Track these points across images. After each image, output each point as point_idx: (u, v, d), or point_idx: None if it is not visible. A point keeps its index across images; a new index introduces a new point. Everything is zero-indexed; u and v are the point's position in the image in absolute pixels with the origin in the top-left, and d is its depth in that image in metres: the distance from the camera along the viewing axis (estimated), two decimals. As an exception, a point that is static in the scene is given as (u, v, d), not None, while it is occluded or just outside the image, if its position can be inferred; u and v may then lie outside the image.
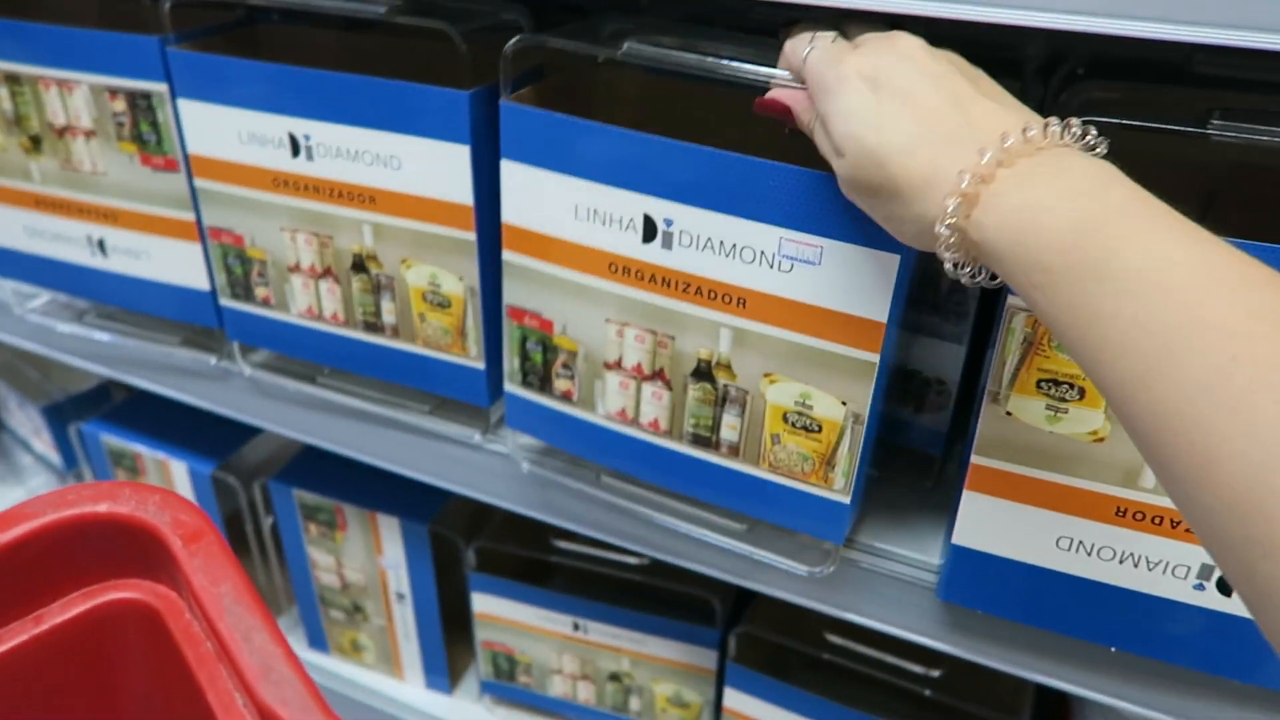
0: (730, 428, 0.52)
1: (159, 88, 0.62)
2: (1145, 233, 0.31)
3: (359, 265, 0.61)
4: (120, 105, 0.63)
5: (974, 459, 0.48)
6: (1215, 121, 0.39)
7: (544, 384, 0.57)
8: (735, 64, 0.45)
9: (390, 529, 0.83)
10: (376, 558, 0.86)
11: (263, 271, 0.65)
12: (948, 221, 0.35)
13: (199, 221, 0.66)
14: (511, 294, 0.56)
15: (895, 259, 0.44)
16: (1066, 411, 0.45)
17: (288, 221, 0.62)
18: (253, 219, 0.63)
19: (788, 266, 0.46)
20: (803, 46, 0.41)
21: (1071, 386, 0.44)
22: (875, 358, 0.46)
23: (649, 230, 0.49)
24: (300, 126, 0.58)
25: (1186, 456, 0.28)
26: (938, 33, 0.55)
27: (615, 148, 0.48)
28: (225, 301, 0.68)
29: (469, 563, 0.81)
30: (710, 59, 0.46)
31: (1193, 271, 0.29)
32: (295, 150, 0.59)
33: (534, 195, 0.52)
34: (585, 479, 0.61)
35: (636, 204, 0.49)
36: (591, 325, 0.53)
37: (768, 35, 0.48)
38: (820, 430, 0.50)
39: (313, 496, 0.84)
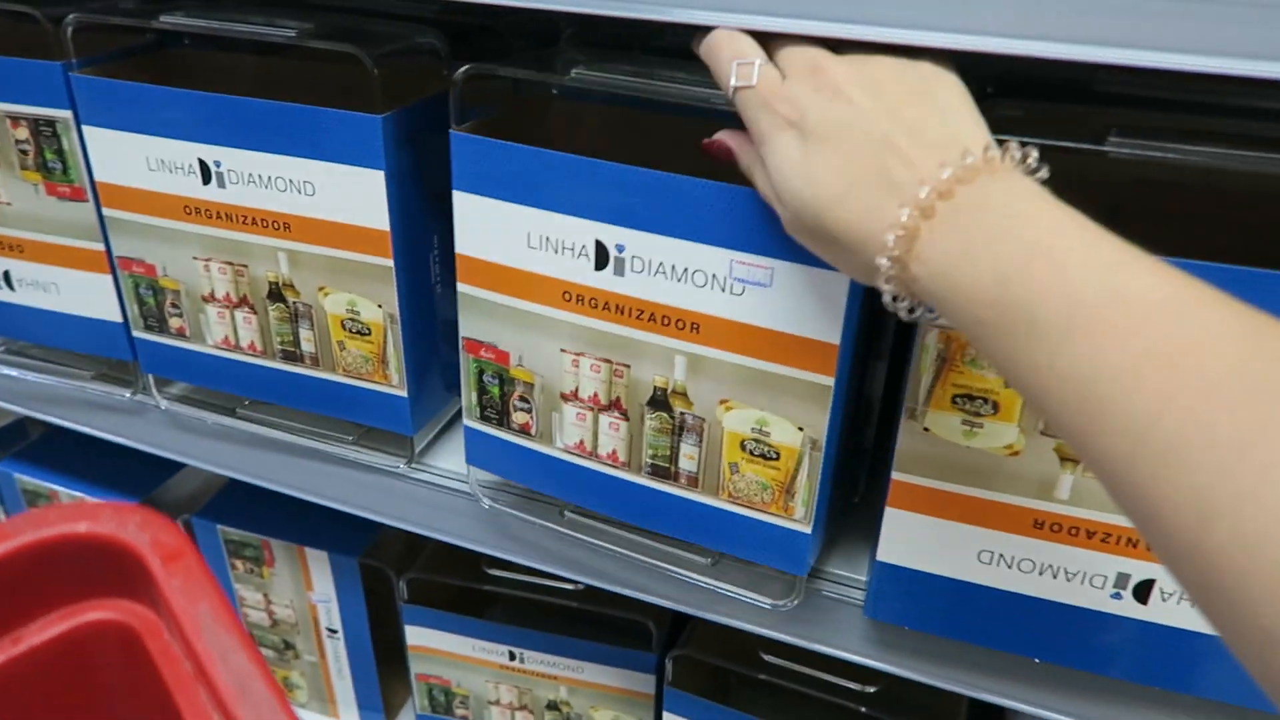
0: (688, 457, 0.52)
1: (63, 114, 0.60)
2: (1066, 271, 0.30)
3: (275, 294, 0.60)
4: (23, 133, 0.61)
5: (895, 475, 0.48)
6: (1113, 139, 0.40)
7: (502, 418, 0.56)
8: (686, 88, 0.45)
9: (319, 563, 0.81)
10: (306, 593, 0.83)
11: (176, 302, 0.63)
12: (886, 275, 0.35)
13: (109, 252, 0.64)
14: (468, 326, 0.55)
15: (846, 279, 0.44)
16: (982, 426, 0.45)
17: (201, 250, 0.60)
18: (165, 248, 0.61)
19: (739, 289, 0.46)
20: (727, 70, 0.40)
21: (986, 401, 0.44)
22: (830, 381, 0.46)
23: (601, 257, 0.49)
24: (211, 153, 0.56)
25: (1134, 512, 0.28)
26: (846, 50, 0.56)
27: (566, 174, 0.47)
28: (139, 333, 0.66)
29: (401, 595, 0.79)
30: (662, 84, 0.46)
31: (1117, 311, 0.29)
32: (206, 177, 0.57)
33: (487, 226, 0.51)
34: (548, 515, 0.60)
35: (588, 230, 0.48)
36: (547, 356, 0.53)
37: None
38: (778, 458, 0.49)
39: (238, 532, 0.82)
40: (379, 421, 0.62)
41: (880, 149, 0.35)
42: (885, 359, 0.56)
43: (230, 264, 0.60)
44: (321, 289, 0.58)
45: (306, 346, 0.61)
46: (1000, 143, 0.35)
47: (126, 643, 0.43)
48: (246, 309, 0.61)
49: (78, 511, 0.43)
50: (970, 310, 0.32)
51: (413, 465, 0.64)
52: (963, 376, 0.44)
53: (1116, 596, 0.46)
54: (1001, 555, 0.47)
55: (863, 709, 0.67)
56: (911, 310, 0.37)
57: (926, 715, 0.65)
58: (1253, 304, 0.29)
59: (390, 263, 0.56)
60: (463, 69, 0.49)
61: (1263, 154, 0.40)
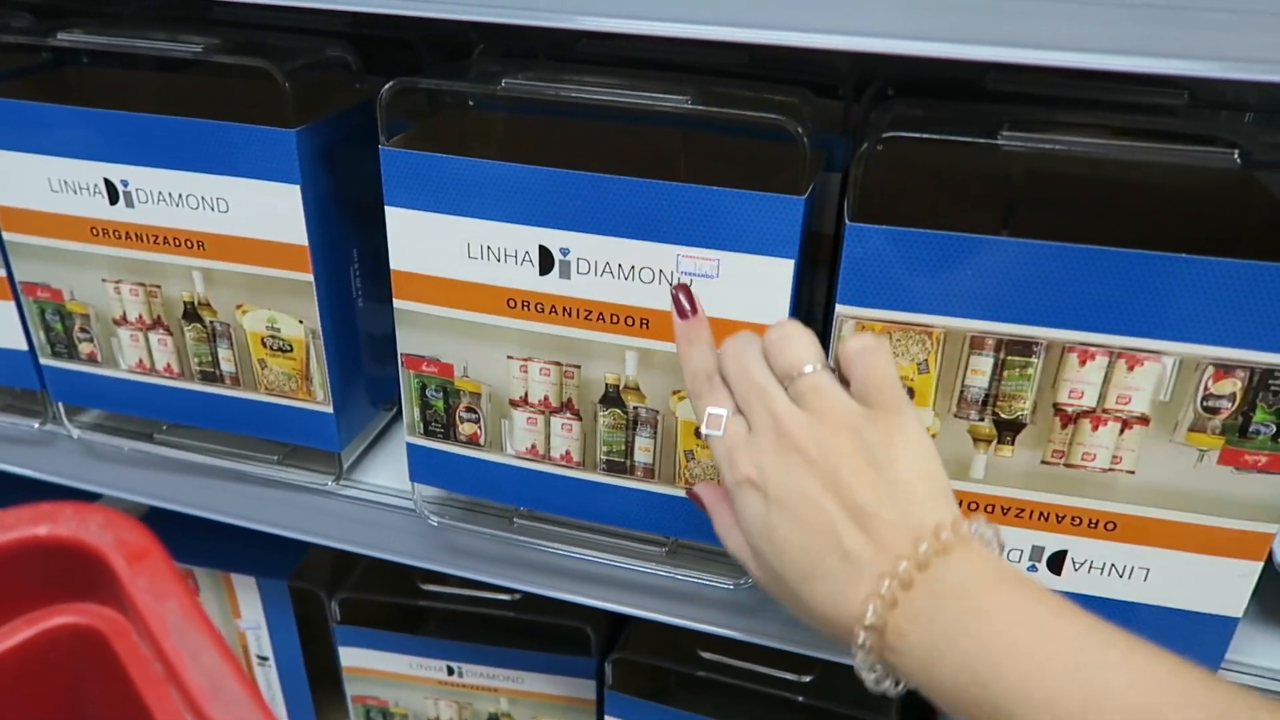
0: (644, 450, 0.53)
1: (-43, 137, 0.58)
2: (1041, 677, 0.32)
3: (191, 314, 0.58)
4: (-87, 157, 0.59)
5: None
6: (1005, 133, 0.42)
7: (448, 431, 0.56)
8: (620, 95, 0.46)
9: (247, 589, 0.79)
10: (234, 620, 0.81)
11: (86, 326, 0.61)
12: (866, 661, 0.36)
13: (10, 277, 0.61)
14: (407, 342, 0.54)
15: (789, 264, 0.45)
16: (900, 412, 0.47)
17: (110, 272, 0.59)
18: (71, 271, 0.59)
19: (687, 282, 0.47)
20: (699, 415, 0.42)
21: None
22: None
23: (545, 262, 0.49)
24: (117, 172, 0.55)
25: None
26: (760, 55, 0.57)
27: (503, 182, 0.48)
28: (46, 360, 0.64)
29: (334, 616, 0.78)
30: (595, 90, 0.47)
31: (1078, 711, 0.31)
32: (113, 197, 0.56)
33: (422, 239, 0.51)
34: (498, 525, 0.60)
35: (531, 237, 0.49)
36: (494, 364, 0.53)
37: (631, 66, 0.49)
38: None
39: (159, 562, 0.79)
40: (305, 439, 0.61)
41: (839, 535, 0.36)
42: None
43: (142, 285, 0.58)
44: (240, 307, 0.57)
45: (226, 366, 0.60)
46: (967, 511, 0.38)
47: (94, 647, 0.42)
48: (161, 330, 0.60)
49: (37, 514, 0.42)
50: (956, 706, 0.34)
51: (342, 482, 0.63)
52: (879, 365, 0.46)
53: (1033, 569, 0.49)
54: (924, 536, 0.49)
55: (800, 698, 0.69)
56: (898, 683, 0.37)
57: (860, 702, 0.67)
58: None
59: (310, 278, 0.55)
60: (390, 83, 0.49)
61: (1142, 145, 0.42)
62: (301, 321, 0.57)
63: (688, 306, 0.44)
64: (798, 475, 0.37)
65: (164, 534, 0.81)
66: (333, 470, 0.63)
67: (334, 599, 0.78)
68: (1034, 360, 0.44)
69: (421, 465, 0.58)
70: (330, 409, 0.60)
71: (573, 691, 0.78)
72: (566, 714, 0.79)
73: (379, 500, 0.63)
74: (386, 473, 0.65)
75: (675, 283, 0.47)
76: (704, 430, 0.42)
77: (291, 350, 0.58)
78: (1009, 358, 0.44)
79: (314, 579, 0.79)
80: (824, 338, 0.57)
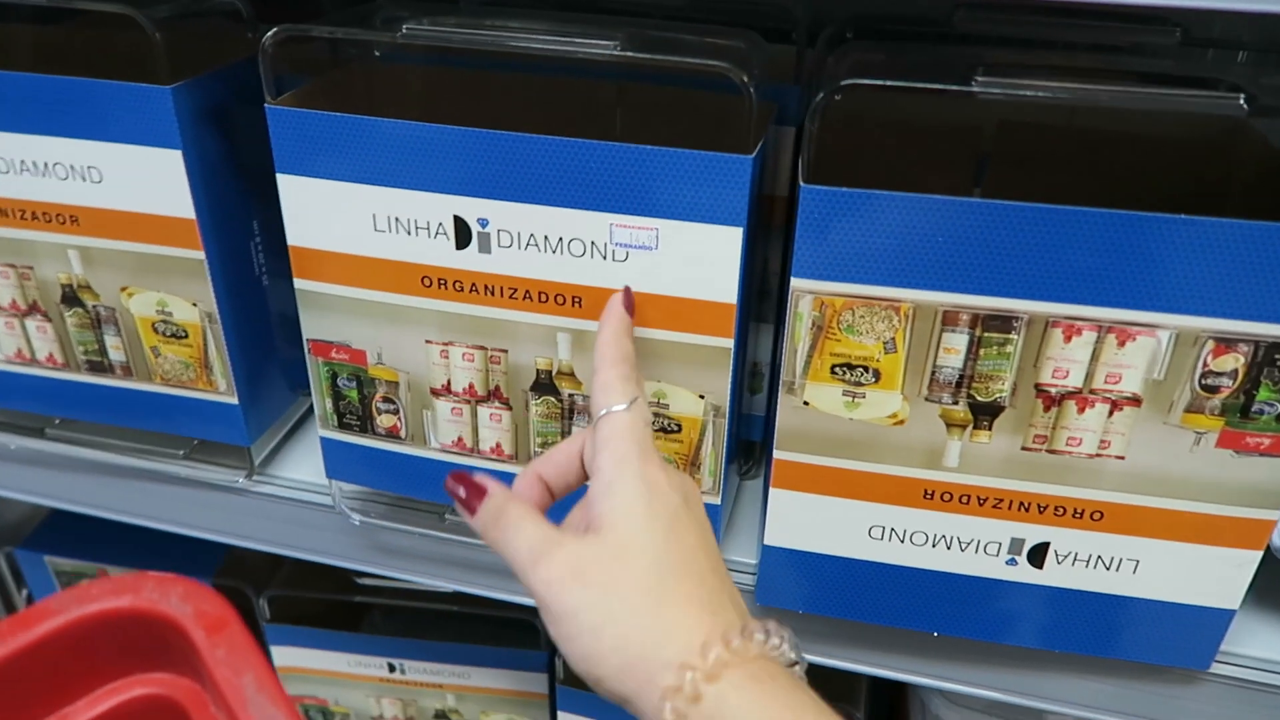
0: None
1: None
2: None
3: (70, 297, 0.52)
4: None
5: (776, 454, 0.44)
6: (979, 79, 0.37)
7: (365, 423, 0.50)
8: (532, 42, 0.40)
9: (168, 588, 0.73)
10: (157, 621, 0.76)
11: (-45, 314, 0.54)
12: None
13: None
14: (312, 327, 0.48)
15: (738, 232, 0.40)
16: (864, 396, 0.42)
17: (-25, 252, 0.52)
18: (-68, 252, 0.52)
19: (622, 255, 0.41)
20: None
21: (866, 369, 0.41)
22: (729, 343, 0.43)
23: (462, 234, 0.43)
24: (-28, 138, 0.48)
25: None
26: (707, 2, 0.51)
27: (411, 144, 0.41)
28: (-85, 352, 0.57)
29: (263, 614, 0.73)
30: (504, 36, 0.40)
31: None
32: (-30, 167, 0.49)
33: (322, 211, 0.44)
34: (426, 522, 0.54)
35: (444, 206, 0.42)
36: (411, 349, 0.47)
37: (552, 8, 0.43)
38: (680, 430, 0.45)
39: (69, 562, 0.73)
40: (209, 433, 0.55)
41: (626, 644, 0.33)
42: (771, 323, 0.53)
43: (13, 267, 0.52)
44: (125, 289, 0.51)
45: (115, 355, 0.53)
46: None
47: (172, 717, 0.43)
48: (39, 316, 0.53)
49: (120, 585, 0.44)
50: None
51: (255, 478, 0.57)
52: (840, 344, 0.41)
53: (1012, 563, 0.44)
54: (893, 529, 0.45)
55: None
56: None
57: (829, 690, 0.63)
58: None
59: (201, 255, 0.49)
60: (272, 31, 0.43)
61: (1136, 90, 0.37)
62: (196, 304, 0.50)
63: (628, 300, 0.41)
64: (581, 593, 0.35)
65: (72, 532, 0.75)
66: (244, 465, 0.57)
67: (263, 596, 0.72)
68: (1013, 337, 0.39)
69: (338, 461, 0.53)
70: (235, 399, 0.53)
71: (523, 685, 0.73)
72: (517, 708, 0.75)
73: (298, 497, 0.57)
74: (307, 465, 0.59)
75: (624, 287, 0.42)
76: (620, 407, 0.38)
77: (187, 336, 0.52)
78: (986, 334, 0.39)
79: (241, 575, 0.73)
80: (779, 314, 0.52)
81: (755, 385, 0.55)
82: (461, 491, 0.38)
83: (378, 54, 0.51)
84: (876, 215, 0.38)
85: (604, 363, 0.39)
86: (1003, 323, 0.39)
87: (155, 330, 0.52)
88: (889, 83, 0.36)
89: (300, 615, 0.74)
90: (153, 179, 0.47)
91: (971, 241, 0.38)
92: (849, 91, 0.37)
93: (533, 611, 0.68)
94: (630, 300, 0.42)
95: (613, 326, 0.41)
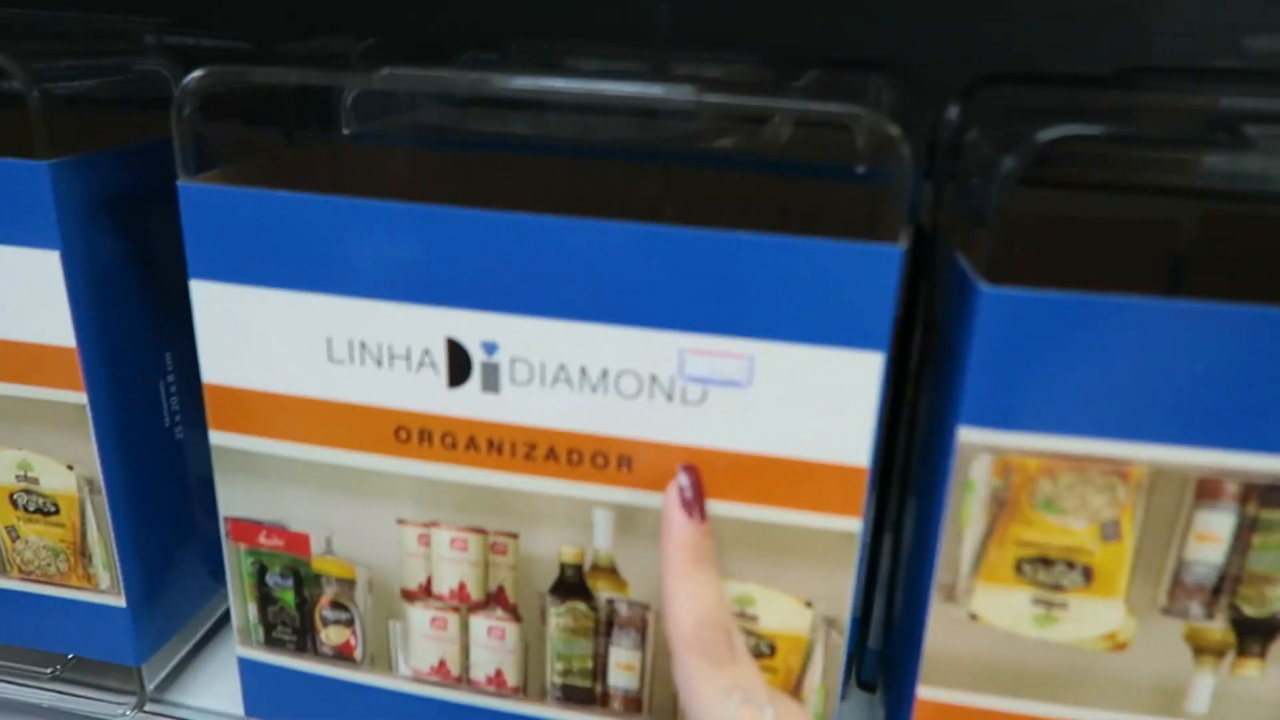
0: (625, 668, 0.32)
1: None
2: None
3: (-104, 460, 0.37)
4: None
5: (922, 692, 0.30)
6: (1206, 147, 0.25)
7: (303, 638, 0.35)
8: (578, 85, 0.28)
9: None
10: None
11: None
12: None
13: None
14: (232, 500, 0.33)
15: (876, 359, 0.26)
16: (1065, 607, 0.28)
17: None
18: None
19: (697, 395, 0.28)
20: (719, 695, 0.26)
21: (1071, 566, 0.27)
22: (855, 525, 0.28)
23: (459, 364, 0.29)
24: None
25: None
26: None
27: (389, 235, 0.28)
28: None
29: None
30: (536, 85, 0.28)
31: None
32: None
33: (253, 332, 0.30)
34: None
35: (433, 323, 0.29)
36: (376, 533, 0.32)
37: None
38: (774, 653, 0.30)
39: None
40: (86, 647, 0.40)
41: None
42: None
43: None
44: (-27, 447, 0.36)
45: (-43, 540, 0.38)
46: None
47: None
48: None
49: None
50: None
51: (147, 709, 0.41)
52: (1033, 528, 0.27)
53: None
54: (1102, 809, 0.29)
55: None
56: None
57: None
58: None
59: (82, 398, 0.35)
60: (197, 73, 0.30)
61: None
62: (72, 467, 0.36)
63: (695, 502, 0.28)
64: None
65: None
66: (132, 690, 0.41)
67: None
68: (1309, 517, 0.26)
69: (261, 692, 0.37)
70: (122, 600, 0.38)
71: None
72: None
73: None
74: (227, 690, 0.43)
75: (683, 469, 0.28)
76: None
77: (58, 512, 0.37)
78: (1264, 513, 0.26)
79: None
80: (888, 466, 0.38)
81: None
82: (690, 487, 0.28)
83: (347, 132, 0.39)
84: (1096, 331, 0.25)
85: (682, 631, 0.26)
86: (1291, 495, 0.25)
87: (14, 503, 0.37)
88: (1123, 132, 0.24)
89: None
90: (18, 290, 0.33)
91: (1246, 368, 0.24)
92: (1059, 146, 0.24)
93: None
94: (695, 492, 0.28)
95: (682, 548, 0.28)
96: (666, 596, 0.27)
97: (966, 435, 0.26)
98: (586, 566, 0.31)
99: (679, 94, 0.27)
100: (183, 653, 0.44)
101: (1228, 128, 0.23)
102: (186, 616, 0.43)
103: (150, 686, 0.41)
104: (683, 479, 0.28)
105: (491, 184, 0.38)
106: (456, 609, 0.33)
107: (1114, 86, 0.35)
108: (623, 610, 0.31)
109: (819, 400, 0.27)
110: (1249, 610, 0.27)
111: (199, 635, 0.45)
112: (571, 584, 0.32)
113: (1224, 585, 0.27)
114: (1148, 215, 0.32)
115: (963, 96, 0.33)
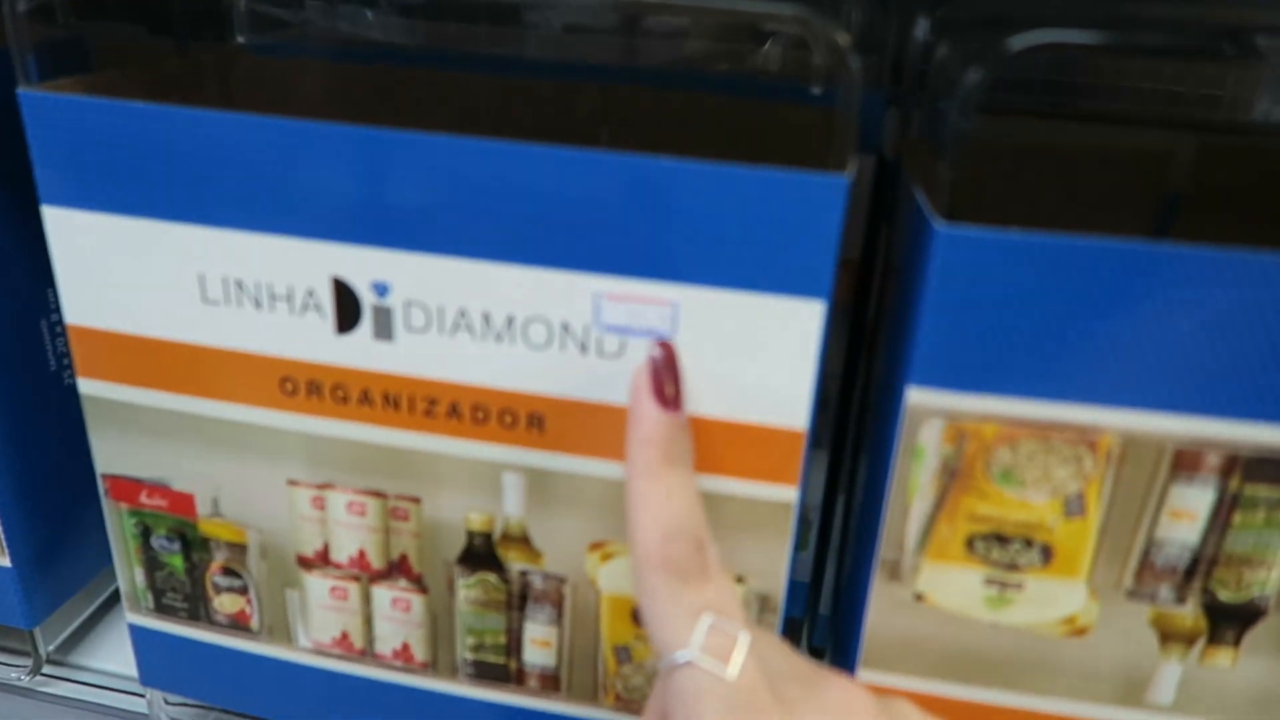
0: (540, 644, 0.29)
1: None
2: None
3: None
4: None
5: (861, 677, 0.27)
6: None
7: (195, 606, 0.32)
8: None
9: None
10: None
11: None
12: None
13: None
14: (107, 455, 0.30)
15: (817, 308, 0.23)
16: (1020, 587, 0.25)
17: None
18: None
19: (614, 346, 0.24)
20: (680, 611, 0.22)
21: (1029, 544, 0.24)
22: (792, 494, 0.25)
23: (347, 308, 0.26)
24: None
25: None
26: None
27: (264, 156, 0.24)
28: None
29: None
30: None
31: None
32: None
33: (115, 268, 0.27)
34: None
35: (318, 260, 0.25)
36: (265, 494, 0.29)
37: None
38: None
39: None
40: (-30, 611, 0.37)
41: None
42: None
43: None
44: None
45: None
46: None
47: None
48: None
49: None
50: None
51: (44, 674, 0.38)
52: (988, 501, 0.24)
53: None
54: (1055, 803, 0.27)
55: None
56: None
57: None
58: None
59: (-57, 340, 0.31)
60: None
61: None
62: (-61, 416, 0.32)
63: (671, 388, 0.23)
64: None
65: None
66: (27, 654, 0.38)
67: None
68: (1297, 494, 0.23)
69: (156, 661, 0.34)
70: (6, 560, 0.35)
71: None
72: None
73: (110, 703, 0.38)
74: (130, 655, 0.40)
75: (656, 340, 0.24)
76: (694, 655, 0.20)
77: (-74, 466, 0.33)
78: (1247, 489, 0.23)
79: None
80: (839, 434, 0.35)
81: (801, 539, 0.38)
82: (666, 370, 0.24)
83: (241, 40, 0.35)
84: (1065, 279, 0.22)
85: (645, 541, 0.22)
86: (1277, 469, 0.23)
87: (-124, 456, 0.33)
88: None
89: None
90: None
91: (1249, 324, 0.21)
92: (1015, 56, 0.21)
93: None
94: (669, 375, 0.24)
95: (651, 443, 0.23)
96: (630, 500, 0.23)
97: (916, 396, 0.23)
98: (496, 535, 0.28)
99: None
100: (84, 615, 0.41)
101: (1235, 39, 0.20)
102: (87, 578, 0.40)
103: (50, 649, 0.38)
104: (656, 354, 0.24)
105: (402, 103, 0.34)
106: (357, 578, 0.30)
107: None
108: (537, 583, 0.28)
109: (752, 355, 0.24)
110: (1224, 595, 0.24)
111: (103, 597, 0.42)
112: (480, 554, 0.28)
113: (1197, 567, 0.24)
114: (1138, 146, 0.29)
115: (933, 7, 0.29)
